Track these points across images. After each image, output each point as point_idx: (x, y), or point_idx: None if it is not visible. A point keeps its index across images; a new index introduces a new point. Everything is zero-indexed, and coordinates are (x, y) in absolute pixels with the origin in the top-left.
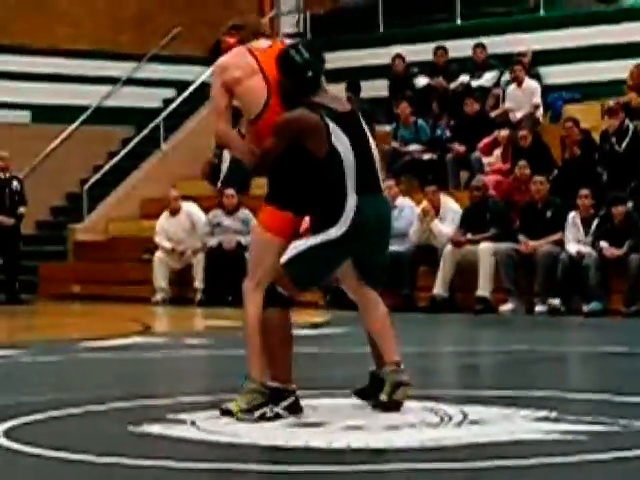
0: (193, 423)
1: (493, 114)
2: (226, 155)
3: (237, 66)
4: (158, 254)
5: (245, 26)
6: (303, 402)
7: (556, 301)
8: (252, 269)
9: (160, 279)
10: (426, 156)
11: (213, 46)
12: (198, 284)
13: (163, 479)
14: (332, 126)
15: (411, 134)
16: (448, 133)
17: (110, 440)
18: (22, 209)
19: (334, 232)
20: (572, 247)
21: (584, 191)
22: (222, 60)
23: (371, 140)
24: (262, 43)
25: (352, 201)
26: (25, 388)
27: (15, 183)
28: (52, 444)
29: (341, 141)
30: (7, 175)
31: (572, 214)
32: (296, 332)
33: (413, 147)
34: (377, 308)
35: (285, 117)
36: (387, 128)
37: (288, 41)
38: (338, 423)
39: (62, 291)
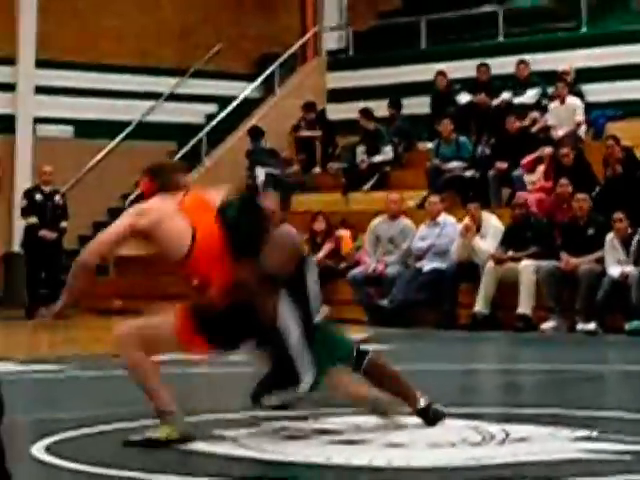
0: (235, 440)
1: (535, 131)
2: (259, 171)
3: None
4: None
5: (162, 175)
6: (344, 419)
7: (591, 325)
8: (141, 326)
9: None
10: (468, 173)
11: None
12: None
13: None
14: None
15: (453, 151)
16: (488, 151)
17: (153, 457)
18: (64, 223)
19: None
20: (614, 270)
21: (618, 214)
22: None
23: None
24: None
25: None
26: (66, 403)
27: (58, 197)
28: (93, 460)
29: None
30: (50, 189)
31: (610, 236)
32: None
33: (455, 164)
34: None
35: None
36: (429, 145)
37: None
38: (379, 440)
39: (103, 305)
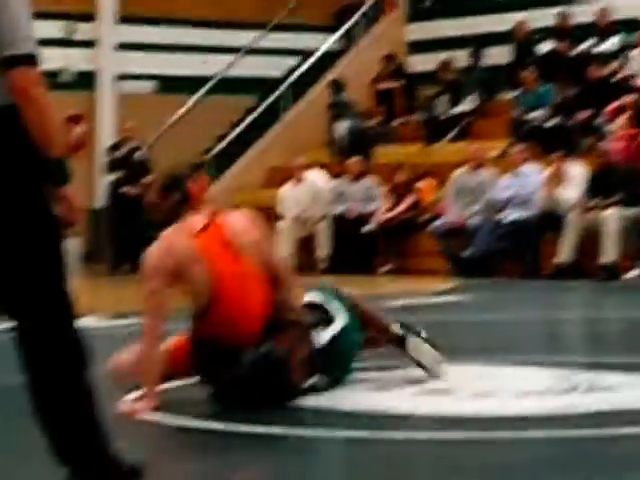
0: (323, 392)
1: (616, 79)
2: (340, 124)
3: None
4: (282, 223)
5: (177, 190)
6: None
7: None
8: None
9: (285, 247)
10: (550, 122)
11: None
12: (322, 252)
13: (292, 447)
14: None
15: (535, 100)
16: (570, 100)
17: (243, 409)
18: (147, 179)
19: None
20: None
21: None
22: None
23: None
24: (195, 220)
25: None
26: None
27: (140, 153)
28: (178, 411)
29: None
30: (132, 145)
31: None
32: (422, 300)
33: (537, 113)
34: None
35: None
36: (509, 95)
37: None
38: (466, 390)
39: None
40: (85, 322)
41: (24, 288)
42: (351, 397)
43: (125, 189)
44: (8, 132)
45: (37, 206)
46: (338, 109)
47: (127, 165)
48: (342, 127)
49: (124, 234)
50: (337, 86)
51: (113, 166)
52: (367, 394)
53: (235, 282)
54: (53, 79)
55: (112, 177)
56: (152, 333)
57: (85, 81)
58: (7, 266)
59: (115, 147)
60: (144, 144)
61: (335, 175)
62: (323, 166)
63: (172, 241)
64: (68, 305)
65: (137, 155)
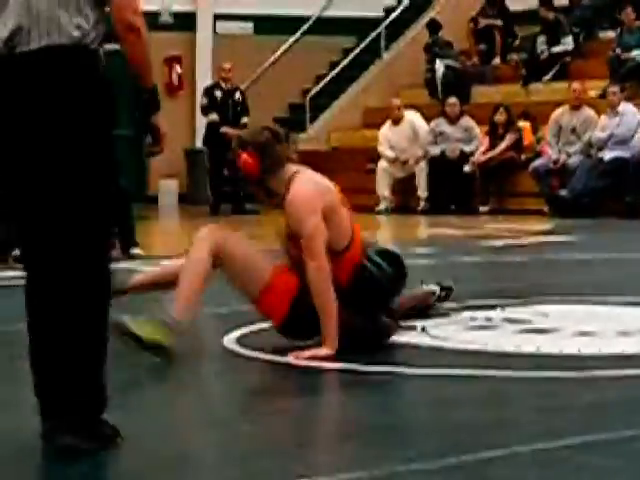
0: (423, 329)
1: None
2: (438, 64)
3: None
4: (381, 163)
5: (268, 154)
6: (533, 308)
7: None
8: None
9: (383, 188)
10: None
11: None
12: (421, 193)
13: (395, 385)
14: None
15: (635, 39)
16: None
17: (348, 348)
18: (245, 119)
19: None
20: None
21: None
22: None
23: None
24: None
25: None
26: None
27: (237, 94)
28: (278, 350)
29: None
30: (230, 86)
31: None
32: (523, 240)
33: (636, 53)
34: None
35: None
36: (611, 34)
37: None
38: (569, 329)
39: None
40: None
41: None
42: (454, 335)
43: (223, 130)
44: (74, 72)
45: (98, 150)
46: (435, 49)
47: (225, 106)
48: (440, 67)
49: (222, 175)
50: (434, 26)
51: (210, 107)
52: (470, 332)
53: (358, 232)
54: (153, 20)
55: (210, 118)
56: (327, 276)
57: (184, 22)
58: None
59: (212, 88)
60: (242, 85)
61: (433, 116)
62: (421, 107)
63: (321, 184)
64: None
65: (234, 96)
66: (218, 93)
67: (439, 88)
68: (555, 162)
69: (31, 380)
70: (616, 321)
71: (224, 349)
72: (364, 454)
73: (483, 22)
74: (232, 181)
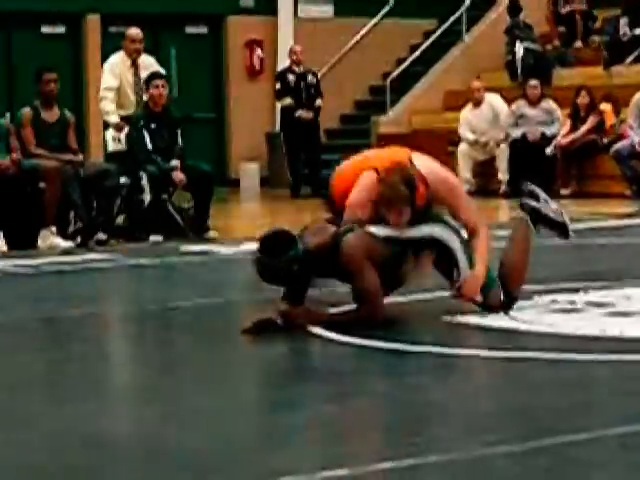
0: (507, 313)
1: None
2: (518, 47)
3: None
4: (462, 146)
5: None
6: (616, 292)
7: None
8: None
9: (464, 171)
10: None
11: None
12: (502, 176)
13: (479, 368)
14: None
15: None
16: None
17: (419, 329)
18: (319, 102)
19: None
20: None
21: None
22: None
23: None
24: None
25: None
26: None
27: (310, 76)
28: (366, 333)
29: None
30: (302, 69)
31: None
32: (604, 223)
33: None
34: None
35: None
36: None
37: None
38: None
39: None
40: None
41: None
42: (538, 319)
43: (299, 113)
44: None
45: None
46: (516, 31)
47: (298, 89)
48: (520, 50)
49: (300, 158)
50: (515, 8)
51: (284, 91)
52: (553, 315)
53: None
54: (234, 3)
55: (284, 102)
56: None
57: (266, 5)
58: None
59: (285, 72)
60: (320, 68)
61: (514, 98)
62: (502, 89)
63: None
64: None
65: (307, 79)
66: (291, 77)
67: (519, 70)
68: (637, 145)
69: None
70: None
71: (305, 331)
72: (446, 437)
73: (564, 5)
74: (309, 164)
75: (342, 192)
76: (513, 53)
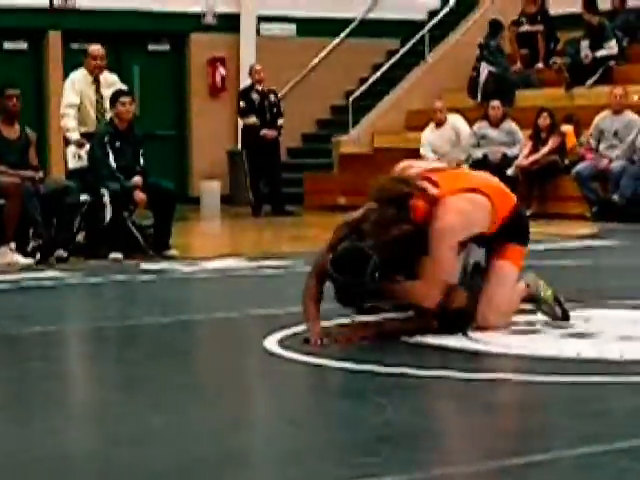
0: (465, 333)
1: None
2: (484, 67)
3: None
4: None
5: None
6: (575, 313)
7: None
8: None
9: None
10: None
11: None
12: None
13: (435, 388)
14: None
15: None
16: None
17: (381, 350)
18: (281, 121)
19: None
20: None
21: None
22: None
23: None
24: None
25: None
26: (294, 298)
27: (273, 96)
28: (323, 353)
29: None
30: (264, 88)
31: None
32: (565, 244)
33: None
34: None
35: None
36: None
37: None
38: (610, 333)
39: (327, 202)
40: (227, 263)
41: None
42: (496, 339)
43: (263, 132)
44: None
45: None
46: (484, 53)
47: (262, 108)
48: (484, 71)
49: (262, 177)
50: (496, 27)
51: (248, 110)
52: (512, 337)
53: None
54: (197, 21)
55: (249, 121)
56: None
57: (228, 23)
58: None
59: (248, 90)
60: (282, 87)
61: (476, 119)
62: (464, 110)
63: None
64: None
65: (270, 98)
66: (255, 96)
67: (479, 91)
68: (598, 166)
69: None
70: None
71: (265, 351)
72: (401, 457)
73: (525, 26)
74: (271, 183)
75: None
76: (478, 72)
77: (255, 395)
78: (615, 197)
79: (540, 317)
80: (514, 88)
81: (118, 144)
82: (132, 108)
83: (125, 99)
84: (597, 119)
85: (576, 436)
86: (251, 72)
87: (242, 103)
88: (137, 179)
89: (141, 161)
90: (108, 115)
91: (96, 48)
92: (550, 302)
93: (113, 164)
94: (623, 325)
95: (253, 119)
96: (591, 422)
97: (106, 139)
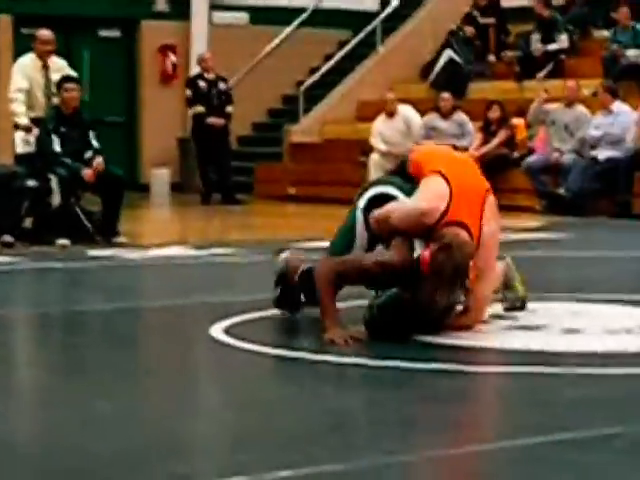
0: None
1: None
2: (445, 54)
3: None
4: (374, 156)
5: None
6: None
7: None
8: None
9: None
10: None
11: None
12: None
13: (378, 378)
14: None
15: (629, 39)
16: None
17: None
18: (230, 108)
19: None
20: None
21: None
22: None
23: None
24: None
25: None
26: (242, 287)
27: (221, 83)
28: (268, 341)
29: None
30: (212, 76)
31: None
32: (513, 236)
33: (632, 52)
34: None
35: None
36: (605, 33)
37: None
38: (556, 326)
39: (277, 192)
40: (175, 251)
41: None
42: (443, 330)
43: (210, 120)
44: None
45: None
46: (452, 40)
47: (209, 96)
48: (446, 57)
49: (211, 165)
50: (471, 19)
51: (196, 99)
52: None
53: None
54: (148, 8)
55: (196, 110)
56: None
57: (180, 11)
58: None
59: (195, 79)
60: (233, 75)
61: (427, 110)
62: (415, 101)
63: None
64: None
65: (218, 85)
66: (202, 84)
67: (432, 76)
68: (548, 159)
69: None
70: (603, 319)
71: (211, 338)
72: (346, 446)
73: (477, 19)
74: (220, 171)
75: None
76: (437, 57)
77: (200, 382)
78: (562, 191)
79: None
80: (467, 80)
81: (64, 129)
82: (77, 94)
83: (70, 85)
84: (548, 111)
85: (517, 427)
86: (199, 60)
87: (188, 92)
88: (99, 160)
89: (94, 143)
90: (56, 100)
91: (44, 33)
92: (517, 292)
93: (58, 149)
94: (568, 317)
95: (199, 108)
96: (533, 413)
97: (51, 125)
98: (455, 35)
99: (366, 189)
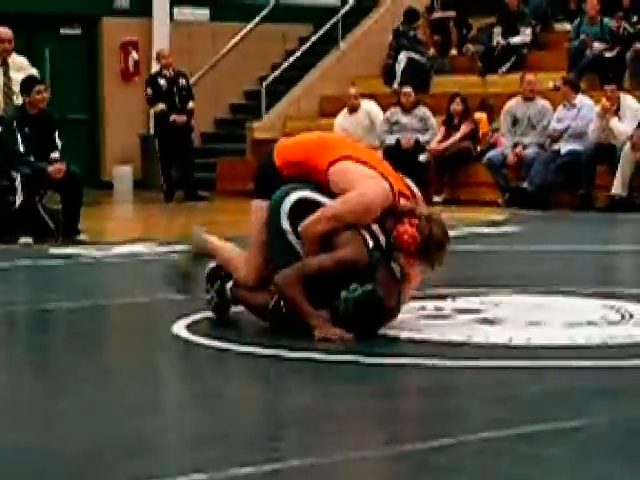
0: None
1: None
2: (403, 55)
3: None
4: None
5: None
6: (484, 298)
7: None
8: None
9: None
10: (609, 54)
11: None
12: None
13: (343, 373)
14: None
15: (596, 32)
16: (632, 30)
17: (291, 336)
18: (191, 104)
19: None
20: None
21: None
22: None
23: None
24: None
25: None
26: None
27: (182, 80)
28: (231, 338)
29: None
30: (173, 73)
31: None
32: (475, 230)
33: (597, 45)
34: None
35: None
36: (566, 26)
37: None
38: (519, 319)
39: (240, 188)
40: (138, 248)
41: None
42: (404, 324)
43: (173, 118)
44: None
45: None
46: (403, 40)
47: (170, 93)
48: (403, 59)
49: (174, 161)
50: (410, 15)
51: (157, 96)
52: (420, 322)
53: None
54: (110, 5)
55: (158, 108)
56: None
57: (141, 7)
58: None
59: (155, 77)
60: (195, 71)
61: (389, 105)
62: (377, 96)
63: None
64: None
65: (179, 82)
66: (162, 81)
67: (398, 78)
68: (510, 153)
69: None
70: (565, 312)
71: (173, 335)
72: (309, 441)
73: (438, 12)
74: (183, 168)
75: (294, 161)
76: (395, 60)
77: (163, 380)
78: (525, 184)
79: (449, 303)
80: (429, 75)
81: (27, 129)
82: (47, 96)
83: (41, 87)
84: (508, 106)
85: (480, 421)
86: (158, 57)
87: (149, 90)
88: (54, 155)
89: (58, 143)
90: (18, 99)
91: (3, 31)
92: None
93: (21, 148)
94: (531, 310)
95: (161, 106)
96: (496, 407)
97: (14, 124)
98: (404, 35)
99: (282, 196)
